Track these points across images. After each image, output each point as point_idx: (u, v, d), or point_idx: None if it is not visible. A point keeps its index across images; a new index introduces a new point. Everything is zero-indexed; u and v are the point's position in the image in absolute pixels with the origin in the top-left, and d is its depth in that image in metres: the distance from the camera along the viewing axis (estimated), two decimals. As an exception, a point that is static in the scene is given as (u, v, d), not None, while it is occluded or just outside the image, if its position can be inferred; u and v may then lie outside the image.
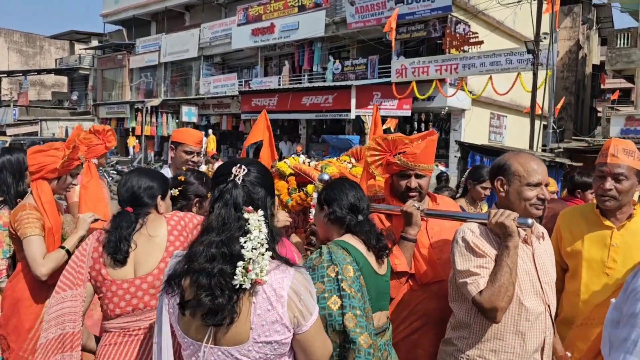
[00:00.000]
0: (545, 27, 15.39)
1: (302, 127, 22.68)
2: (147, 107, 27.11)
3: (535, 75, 13.43)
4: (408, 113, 17.95)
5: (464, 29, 17.62)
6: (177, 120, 25.61)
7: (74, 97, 37.34)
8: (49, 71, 38.75)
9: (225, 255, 1.56)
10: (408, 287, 2.65)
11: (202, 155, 3.91)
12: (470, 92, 17.72)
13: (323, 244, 2.27)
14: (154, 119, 26.94)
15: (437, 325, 2.56)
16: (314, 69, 22.02)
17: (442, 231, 2.74)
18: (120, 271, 2.14)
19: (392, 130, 17.63)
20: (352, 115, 18.30)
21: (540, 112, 14.16)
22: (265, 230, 1.60)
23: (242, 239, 1.56)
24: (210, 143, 22.23)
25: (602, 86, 32.09)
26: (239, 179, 1.63)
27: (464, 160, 8.77)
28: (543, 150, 14.01)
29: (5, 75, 37.86)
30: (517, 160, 2.24)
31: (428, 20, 17.90)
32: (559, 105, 17.39)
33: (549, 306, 2.24)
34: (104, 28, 34.78)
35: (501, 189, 2.27)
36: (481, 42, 16.45)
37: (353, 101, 18.22)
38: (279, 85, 22.32)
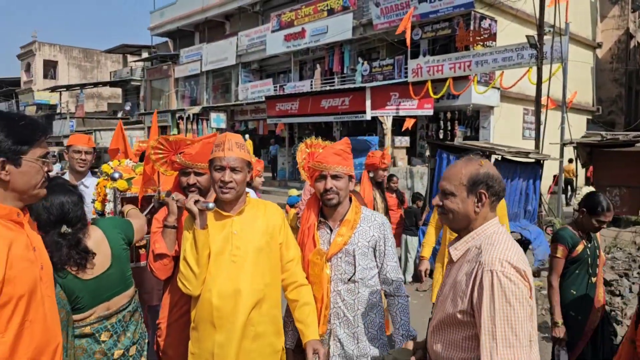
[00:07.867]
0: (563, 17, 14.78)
1: (336, 130, 22.76)
2: (188, 115, 28.00)
3: (539, 69, 12.94)
4: (430, 112, 17.74)
5: (489, 24, 17.25)
6: (211, 127, 26.29)
7: (127, 108, 39.02)
8: (103, 84, 40.74)
9: None
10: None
11: (92, 155, 4.31)
12: (498, 89, 17.37)
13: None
14: (195, 127, 27.80)
15: None
16: (345, 71, 22.11)
17: None
18: None
19: (409, 129, 17.54)
20: (368, 116, 18.26)
21: (554, 106, 13.63)
22: None
23: None
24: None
25: (658, 76, 30.34)
26: None
27: (433, 158, 8.60)
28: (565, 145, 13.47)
29: (65, 89, 40.07)
30: None
31: (452, 18, 17.62)
32: (571, 98, 16.63)
33: None
34: (151, 40, 36.18)
35: None
36: (492, 38, 16.09)
37: (368, 102, 18.18)
38: (311, 88, 22.50)
